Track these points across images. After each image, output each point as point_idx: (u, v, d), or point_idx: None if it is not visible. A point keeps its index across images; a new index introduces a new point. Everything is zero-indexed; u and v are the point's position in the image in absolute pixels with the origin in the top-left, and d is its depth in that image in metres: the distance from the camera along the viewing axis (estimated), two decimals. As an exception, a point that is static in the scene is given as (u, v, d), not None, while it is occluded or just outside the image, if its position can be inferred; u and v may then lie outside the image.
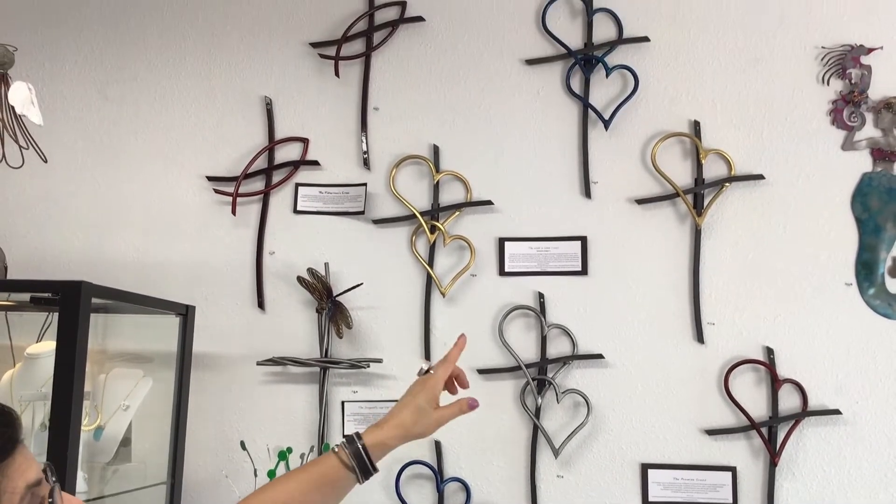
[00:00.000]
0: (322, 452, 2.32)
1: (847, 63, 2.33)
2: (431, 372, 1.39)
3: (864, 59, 2.32)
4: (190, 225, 2.51)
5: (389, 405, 2.31)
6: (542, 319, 2.34)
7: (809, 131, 2.33)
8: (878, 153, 2.30)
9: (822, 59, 2.34)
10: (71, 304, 1.74)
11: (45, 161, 2.05)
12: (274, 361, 2.35)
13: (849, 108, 2.31)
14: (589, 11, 2.43)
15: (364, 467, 1.28)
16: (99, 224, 2.53)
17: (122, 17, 2.62)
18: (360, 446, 1.29)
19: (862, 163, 2.31)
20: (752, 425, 2.22)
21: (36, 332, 2.09)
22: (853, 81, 2.32)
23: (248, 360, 2.40)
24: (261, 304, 2.45)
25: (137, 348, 2.29)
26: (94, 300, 1.81)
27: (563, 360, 2.32)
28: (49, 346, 1.95)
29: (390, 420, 1.34)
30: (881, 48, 2.32)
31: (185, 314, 2.25)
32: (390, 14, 2.52)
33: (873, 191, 2.28)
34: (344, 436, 1.36)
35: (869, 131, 2.31)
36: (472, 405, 1.38)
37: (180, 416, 2.22)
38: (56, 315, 1.76)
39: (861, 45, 2.33)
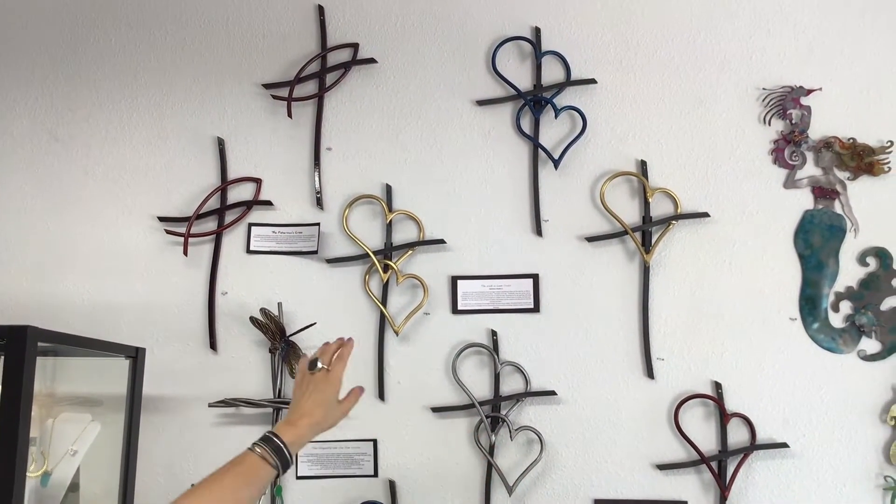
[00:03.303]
0: (275, 496, 2.30)
1: (787, 104, 2.40)
2: (326, 367, 1.60)
3: (804, 100, 2.40)
4: (141, 266, 2.49)
5: (343, 444, 2.36)
6: (496, 357, 2.36)
7: (752, 170, 2.39)
8: (819, 191, 2.36)
9: (763, 101, 2.41)
10: (16, 349, 1.71)
11: (-7, 203, 2.04)
12: (226, 403, 2.33)
13: (790, 147, 2.38)
14: (538, 54, 2.48)
15: (286, 462, 1.49)
16: (48, 266, 2.50)
17: (72, 57, 2.61)
18: (281, 445, 1.48)
19: (804, 200, 2.37)
20: (703, 459, 2.25)
21: (-19, 377, 2.05)
22: (794, 122, 2.39)
23: (200, 402, 2.37)
24: (213, 345, 2.43)
25: (86, 392, 2.25)
26: (42, 344, 1.79)
27: (517, 398, 2.34)
28: (-6, 390, 1.92)
29: (303, 418, 1.54)
30: (820, 89, 2.40)
31: (135, 356, 2.23)
32: (343, 56, 2.55)
33: (815, 228, 2.34)
34: (260, 438, 1.51)
35: (810, 170, 2.38)
36: (362, 389, 1.66)
37: (130, 460, 2.19)
38: (1, 359, 1.73)
39: (801, 87, 2.40)
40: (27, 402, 1.72)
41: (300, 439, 1.53)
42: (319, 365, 1.61)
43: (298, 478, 2.35)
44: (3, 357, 1.73)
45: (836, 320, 2.31)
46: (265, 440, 1.49)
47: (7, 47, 2.63)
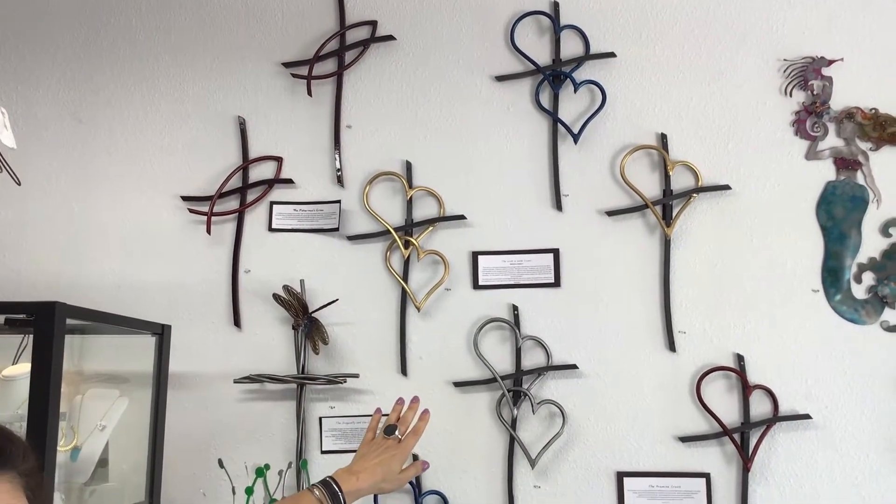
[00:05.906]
0: (300, 469, 2.33)
1: (809, 75, 2.38)
2: (399, 437, 1.68)
3: (826, 71, 2.38)
4: (165, 245, 2.52)
5: (366, 419, 2.34)
6: (517, 331, 2.37)
7: (774, 142, 2.37)
8: (842, 162, 2.35)
9: (784, 72, 2.40)
10: (45, 326, 1.74)
11: (19, 184, 2.06)
12: (251, 379, 2.36)
13: (811, 118, 2.37)
14: (556, 28, 2.48)
15: None
16: (73, 246, 2.53)
17: (94, 39, 2.64)
18: (339, 492, 1.56)
19: (826, 172, 2.35)
20: (725, 431, 2.25)
21: (11, 355, 2.09)
22: (815, 92, 2.37)
23: (225, 378, 2.40)
24: (237, 322, 2.46)
25: (113, 369, 2.29)
26: (70, 321, 1.81)
27: (538, 372, 2.35)
28: (25, 368, 1.95)
29: (365, 473, 1.62)
30: (842, 60, 2.37)
31: (161, 333, 2.26)
32: (361, 33, 2.55)
33: (837, 199, 2.33)
34: (320, 481, 1.59)
35: (832, 141, 2.36)
36: (425, 466, 1.76)
37: (157, 435, 2.22)
38: (31, 337, 1.76)
39: (822, 57, 2.38)
40: (57, 377, 1.75)
41: (358, 492, 1.59)
42: (396, 434, 1.68)
43: (323, 452, 2.38)
44: (32, 334, 1.76)
45: (859, 291, 2.30)
46: (325, 484, 1.56)
47: (29, 30, 2.66)
